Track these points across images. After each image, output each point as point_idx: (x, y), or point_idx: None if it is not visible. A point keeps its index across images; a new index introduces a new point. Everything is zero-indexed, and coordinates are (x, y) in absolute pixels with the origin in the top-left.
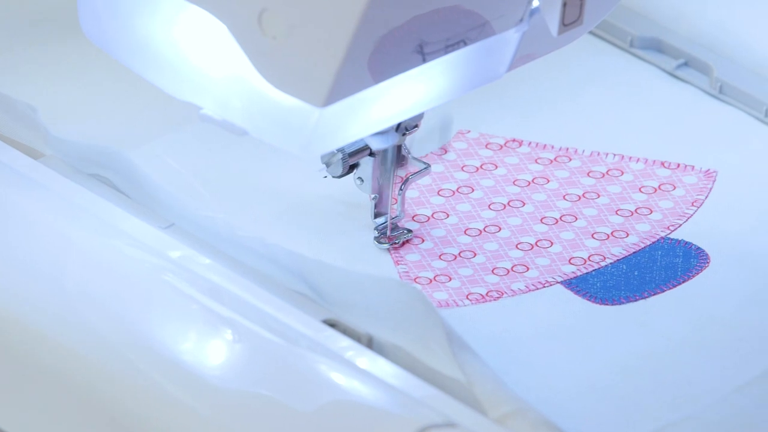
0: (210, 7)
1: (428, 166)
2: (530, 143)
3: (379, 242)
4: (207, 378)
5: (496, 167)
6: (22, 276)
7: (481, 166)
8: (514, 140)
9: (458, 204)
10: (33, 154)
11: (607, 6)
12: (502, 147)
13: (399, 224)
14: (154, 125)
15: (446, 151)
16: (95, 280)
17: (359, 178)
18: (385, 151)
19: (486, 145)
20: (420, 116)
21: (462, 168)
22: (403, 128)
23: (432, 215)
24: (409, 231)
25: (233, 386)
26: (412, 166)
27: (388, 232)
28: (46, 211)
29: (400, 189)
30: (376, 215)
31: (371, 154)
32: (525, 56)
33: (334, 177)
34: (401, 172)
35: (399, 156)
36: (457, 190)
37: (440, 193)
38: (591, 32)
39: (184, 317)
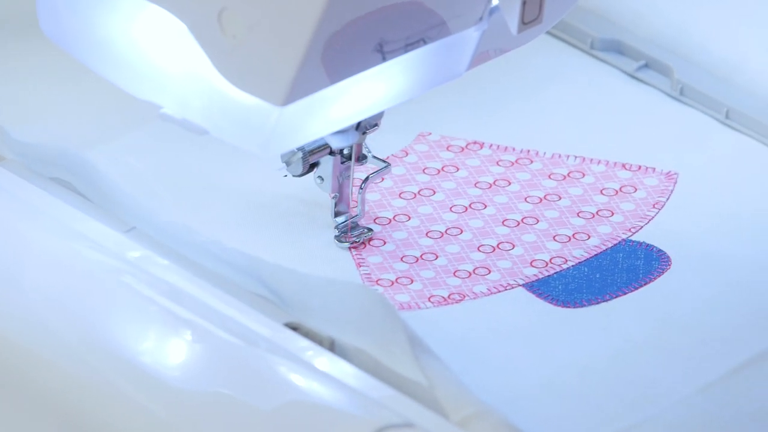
0: (169, 6)
1: (388, 164)
2: (491, 145)
3: (340, 241)
4: (167, 379)
5: (458, 169)
6: None
7: (442, 169)
8: (475, 142)
9: (420, 206)
10: None
11: (566, 5)
12: (463, 149)
13: (360, 223)
14: (114, 125)
15: (407, 154)
16: (54, 282)
17: (319, 177)
18: (345, 149)
19: (447, 148)
20: (380, 115)
21: (423, 170)
22: (363, 127)
23: (393, 218)
24: (370, 230)
25: (192, 387)
26: (373, 165)
27: (349, 231)
28: (5, 213)
29: (361, 188)
30: (337, 214)
31: (331, 152)
32: (485, 55)
33: (294, 176)
34: (361, 171)
35: (359, 155)
36: (419, 192)
37: (402, 195)
38: (551, 34)
39: (143, 319)
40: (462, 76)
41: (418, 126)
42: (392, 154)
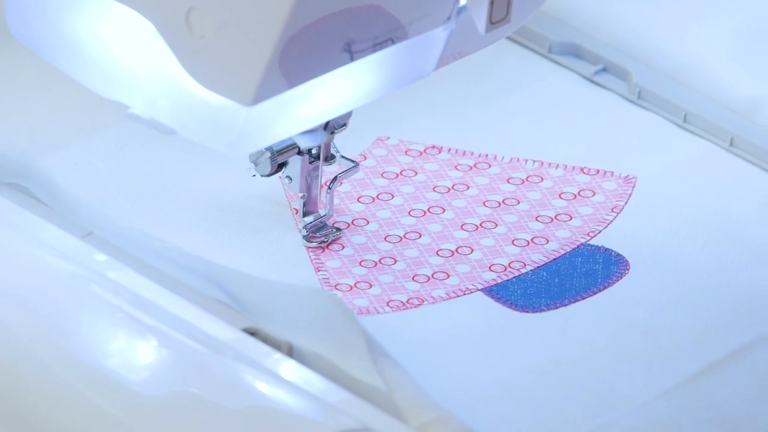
0: (137, 6)
1: (356, 164)
2: (450, 150)
3: (308, 241)
4: (126, 384)
5: (416, 174)
6: None
7: (400, 173)
8: (433, 147)
9: (378, 210)
10: None
11: (533, 4)
12: (421, 153)
13: (327, 223)
14: (80, 127)
15: (366, 158)
16: (13, 287)
17: (287, 176)
18: (313, 149)
19: (406, 152)
20: (348, 115)
21: (382, 174)
22: (331, 127)
23: (352, 222)
24: (338, 229)
25: (152, 392)
26: (341, 165)
27: (317, 231)
28: None
29: (329, 188)
30: (305, 214)
31: (299, 152)
32: (453, 54)
33: (262, 176)
34: (330, 171)
35: (327, 154)
36: (377, 196)
37: (360, 199)
38: (509, 38)
39: (103, 325)
40: (430, 75)
41: (377, 130)
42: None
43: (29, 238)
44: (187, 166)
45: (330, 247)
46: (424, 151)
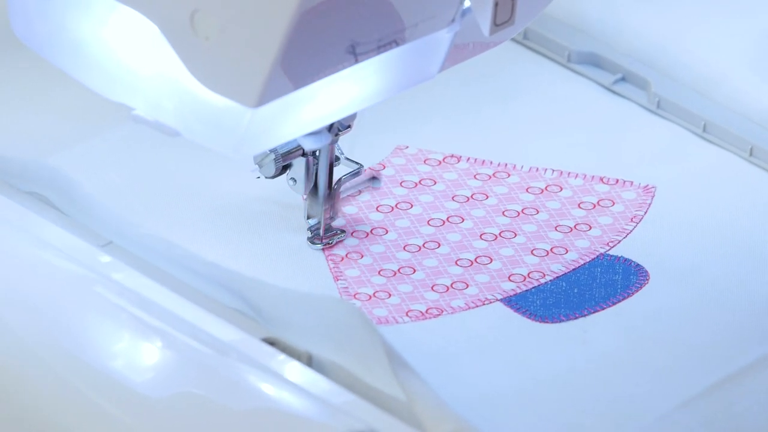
0: (141, 8)
1: (361, 166)
2: (469, 159)
3: (313, 243)
4: (136, 387)
5: (435, 183)
6: None
7: (419, 182)
8: (452, 156)
9: (397, 220)
10: None
11: (538, 6)
12: (440, 162)
13: (332, 225)
14: (85, 130)
15: (384, 167)
16: (24, 292)
17: (292, 178)
18: (317, 151)
19: (424, 161)
20: (353, 116)
21: (400, 183)
22: (335, 128)
23: (371, 231)
24: (342, 231)
25: (160, 394)
26: (345, 167)
27: (322, 233)
28: None
29: (334, 189)
30: (309, 216)
31: (304, 154)
32: (457, 56)
33: (266, 178)
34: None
35: (332, 156)
36: (396, 206)
37: (379, 209)
38: (528, 47)
39: (118, 331)
40: (434, 77)
41: (396, 139)
42: (369, 167)
43: (47, 247)
44: (192, 168)
45: (349, 255)
46: (443, 160)
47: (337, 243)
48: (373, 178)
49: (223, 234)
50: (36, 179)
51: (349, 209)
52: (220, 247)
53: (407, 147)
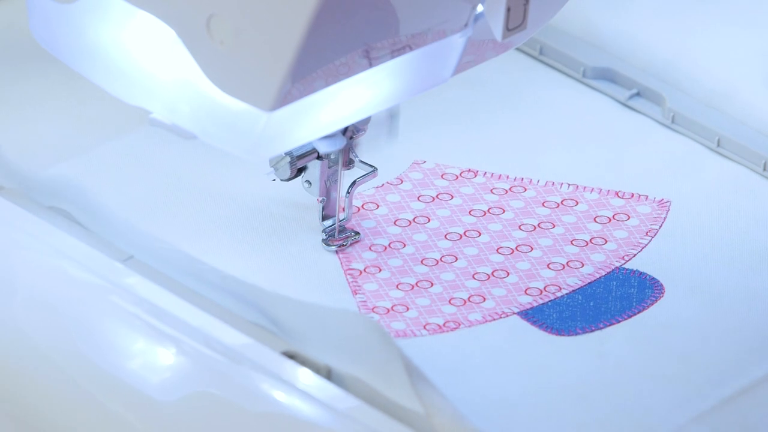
0: (159, 13)
1: (375, 169)
2: (485, 173)
3: (327, 244)
4: (152, 395)
5: (452, 197)
6: None
7: (437, 196)
8: (469, 170)
9: (415, 234)
10: None
11: (550, 11)
12: (457, 177)
13: (346, 226)
14: (99, 138)
15: (402, 181)
16: (45, 302)
17: (307, 181)
18: (332, 154)
19: (442, 176)
20: (367, 120)
21: (418, 198)
22: (350, 132)
23: (389, 245)
24: (357, 233)
25: (174, 399)
26: (360, 169)
27: (336, 234)
28: (2, 241)
29: (348, 192)
30: (324, 218)
31: (319, 157)
32: (470, 61)
33: (282, 180)
34: (348, 175)
35: (347, 159)
36: (414, 220)
37: (397, 222)
38: (544, 62)
39: (133, 338)
40: (447, 81)
41: (413, 154)
42: (387, 182)
43: (69, 260)
44: (206, 171)
45: (367, 269)
46: (460, 174)
47: (351, 244)
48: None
49: (236, 235)
50: (57, 194)
51: (367, 223)
52: (236, 249)
53: (425, 161)
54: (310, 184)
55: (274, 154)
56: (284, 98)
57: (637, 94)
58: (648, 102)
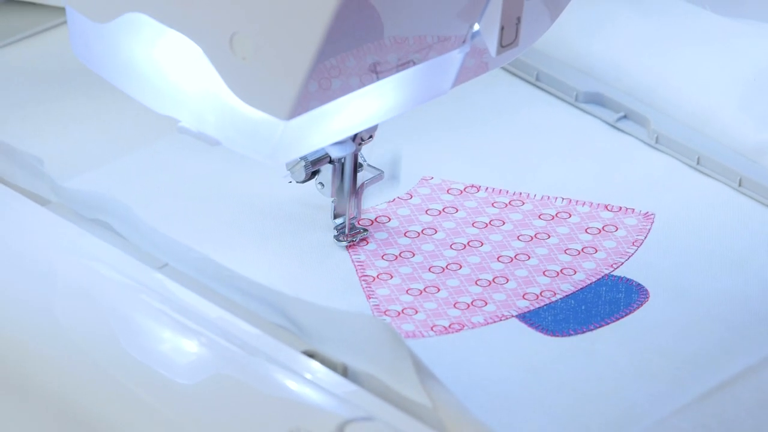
0: (187, 32)
1: (381, 172)
2: (487, 188)
3: (338, 240)
4: (177, 385)
5: (457, 210)
6: (16, 297)
7: (443, 210)
8: (472, 186)
9: (423, 244)
10: (40, 201)
11: (539, 30)
12: (462, 192)
13: (356, 224)
14: (129, 146)
15: (411, 196)
16: (82, 305)
17: (320, 183)
18: (343, 158)
19: (447, 191)
20: (374, 128)
21: (426, 211)
22: (359, 138)
23: (400, 254)
24: (365, 230)
25: (196, 382)
26: (368, 172)
27: (347, 231)
28: (49, 249)
29: (357, 193)
30: (336, 216)
31: (331, 161)
32: (467, 74)
33: (297, 182)
34: (358, 178)
35: (356, 163)
36: (422, 231)
37: (407, 234)
38: (540, 88)
39: (161, 333)
40: (447, 92)
41: (422, 171)
42: (398, 197)
43: (107, 267)
44: (232, 172)
45: (380, 276)
46: (464, 189)
47: (360, 240)
48: None
49: (257, 230)
50: (100, 208)
51: (380, 234)
52: (257, 244)
53: (432, 178)
54: (323, 185)
55: (290, 158)
56: (300, 108)
57: (625, 117)
58: (634, 124)
